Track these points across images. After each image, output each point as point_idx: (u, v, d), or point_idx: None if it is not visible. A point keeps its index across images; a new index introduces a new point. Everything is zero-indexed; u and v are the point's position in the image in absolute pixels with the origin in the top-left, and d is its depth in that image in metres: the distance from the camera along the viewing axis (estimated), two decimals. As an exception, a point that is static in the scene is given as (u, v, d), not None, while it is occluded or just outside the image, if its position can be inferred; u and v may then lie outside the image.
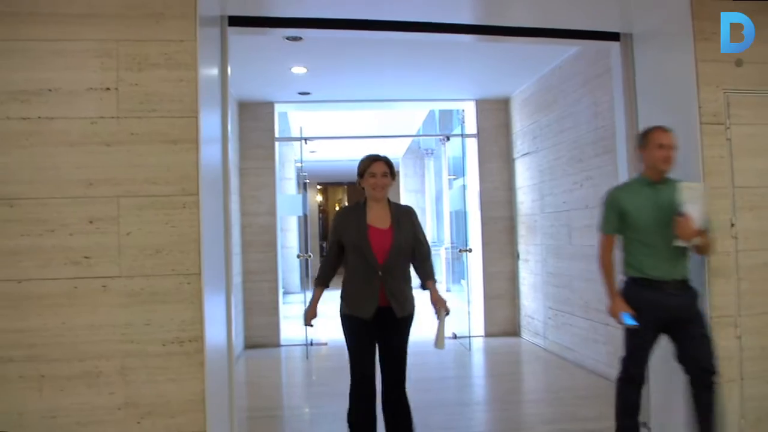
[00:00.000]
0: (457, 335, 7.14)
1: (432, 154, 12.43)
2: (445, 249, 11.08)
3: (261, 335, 6.99)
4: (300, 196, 8.63)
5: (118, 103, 2.59)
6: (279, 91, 6.85)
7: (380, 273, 3.07)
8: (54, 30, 2.60)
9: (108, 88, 2.60)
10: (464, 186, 7.65)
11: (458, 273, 8.84)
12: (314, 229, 15.56)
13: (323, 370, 6.17)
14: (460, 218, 8.82)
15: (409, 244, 3.15)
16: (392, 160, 3.30)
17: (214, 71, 3.12)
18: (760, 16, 3.20)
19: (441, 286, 11.29)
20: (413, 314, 3.23)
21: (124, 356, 2.54)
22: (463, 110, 7.86)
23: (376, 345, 3.19)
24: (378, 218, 3.14)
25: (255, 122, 7.12)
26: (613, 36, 3.85)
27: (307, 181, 11.01)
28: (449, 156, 10.23)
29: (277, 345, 7.02)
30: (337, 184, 20.08)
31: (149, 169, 2.58)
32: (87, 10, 2.62)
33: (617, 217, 3.17)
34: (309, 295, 7.99)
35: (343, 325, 3.20)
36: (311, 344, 6.82)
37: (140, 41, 2.63)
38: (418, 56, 5.64)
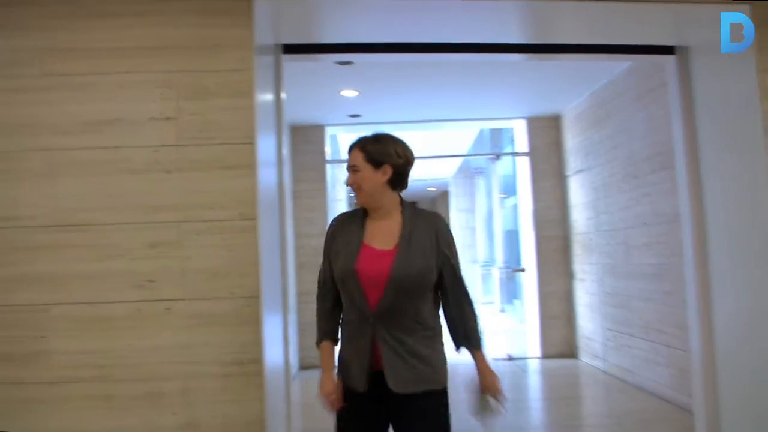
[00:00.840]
0: (513, 356, 7.02)
1: (482, 173, 12.35)
2: (498, 269, 10.94)
3: (315, 356, 7.01)
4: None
5: (178, 131, 2.68)
6: (329, 114, 6.98)
7: (371, 321, 2.03)
8: (117, 63, 2.72)
9: (168, 118, 2.70)
10: (516, 205, 7.58)
11: (511, 293, 8.72)
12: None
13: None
14: (512, 238, 8.72)
15: (427, 275, 2.04)
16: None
17: (270, 98, 3.20)
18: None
19: (494, 307, 11.15)
20: (442, 391, 2.08)
21: (186, 377, 2.60)
22: (512, 128, 7.82)
23: None
24: (379, 234, 2.10)
25: (307, 145, 7.26)
26: (668, 49, 3.77)
27: (359, 202, 11.10)
28: (500, 175, 10.14)
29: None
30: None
31: (208, 194, 2.65)
32: (147, 44, 2.73)
33: None
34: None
35: None
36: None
37: (199, 72, 2.72)
38: (468, 76, 5.66)
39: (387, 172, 2.08)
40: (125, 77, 2.72)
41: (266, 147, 2.97)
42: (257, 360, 2.60)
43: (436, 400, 2.06)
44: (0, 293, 2.62)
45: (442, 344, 2.12)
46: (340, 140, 8.84)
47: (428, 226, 2.10)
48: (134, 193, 2.66)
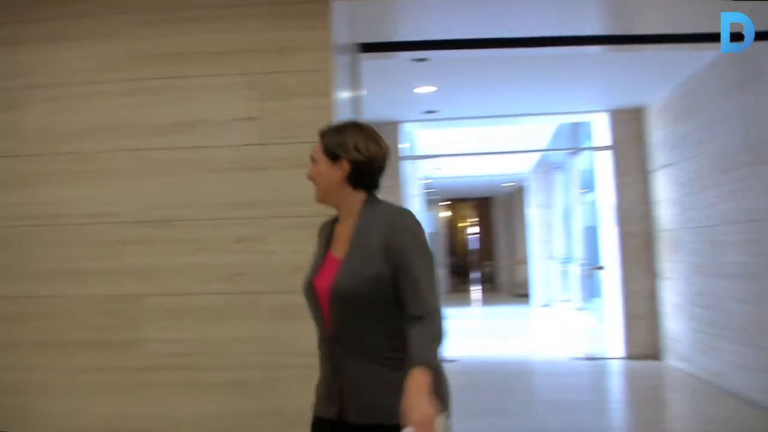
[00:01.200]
0: (592, 356, 6.85)
1: (560, 168, 12.07)
2: (577, 266, 10.67)
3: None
4: (427, 214, 8.73)
5: (260, 131, 2.79)
6: (404, 111, 7.01)
7: (328, 342, 1.77)
8: (204, 67, 2.86)
9: (251, 118, 2.81)
10: (595, 201, 7.38)
11: (590, 291, 8.50)
12: (441, 245, 15.61)
13: (452, 387, 6.14)
14: (591, 234, 8.48)
15: (380, 285, 1.66)
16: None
17: (348, 96, 3.26)
18: None
19: (572, 305, 10.84)
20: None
21: (271, 367, 2.70)
22: (591, 122, 7.61)
23: None
24: (341, 240, 1.81)
25: (382, 142, 7.31)
26: (764, 35, 3.57)
27: (434, 198, 11.10)
28: (579, 170, 9.88)
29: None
30: (464, 200, 20.00)
31: (290, 191, 2.73)
32: (230, 48, 2.86)
33: None
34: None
35: None
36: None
37: (280, 73, 2.82)
38: (547, 70, 5.54)
39: (344, 168, 1.76)
40: (210, 80, 2.86)
41: (345, 145, 3.03)
42: (337, 352, 2.66)
43: None
44: (98, 284, 2.82)
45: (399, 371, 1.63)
46: (415, 136, 8.86)
47: (382, 224, 1.71)
48: (219, 191, 2.79)
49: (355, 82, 3.50)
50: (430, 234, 10.18)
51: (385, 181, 6.29)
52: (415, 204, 10.90)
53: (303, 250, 2.71)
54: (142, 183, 2.82)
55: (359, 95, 3.52)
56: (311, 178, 1.84)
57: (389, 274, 1.66)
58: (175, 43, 2.88)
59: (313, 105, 2.78)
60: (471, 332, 9.72)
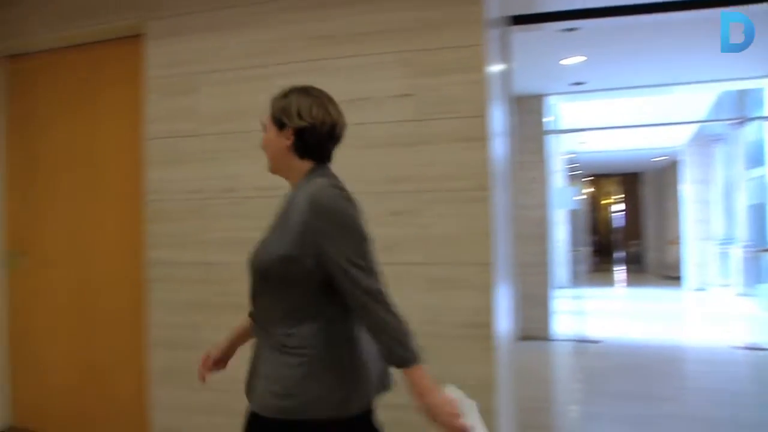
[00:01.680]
0: (756, 346, 6.33)
1: (722, 140, 11.11)
2: (739, 248, 9.84)
3: (532, 327, 7.03)
4: (571, 189, 8.46)
5: (416, 107, 2.86)
6: (550, 83, 6.83)
7: (252, 316, 1.77)
8: (360, 47, 2.97)
9: (406, 95, 2.88)
10: (764, 176, 6.75)
11: (755, 276, 7.80)
12: (583, 223, 15.00)
13: (592, 368, 5.99)
14: (758, 213, 7.77)
15: (287, 265, 1.57)
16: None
17: (498, 70, 3.24)
18: None
19: (731, 291, 10.01)
20: (273, 422, 1.56)
21: (424, 336, 2.79)
22: (762, 89, 6.92)
23: None
24: None
25: (525, 116, 7.16)
26: None
27: (578, 173, 10.72)
28: (744, 142, 9.04)
29: (547, 338, 7.01)
30: (608, 176, 19.06)
31: (445, 166, 2.79)
32: (387, 27, 2.93)
33: None
34: (578, 292, 7.85)
35: None
36: (582, 341, 6.69)
37: (434, 49, 2.86)
38: (708, 33, 5.11)
39: (288, 135, 1.66)
40: (367, 59, 2.97)
41: (496, 119, 3.03)
42: (488, 324, 2.70)
43: (260, 429, 1.61)
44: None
45: (301, 363, 1.56)
46: (559, 109, 8.59)
47: (305, 202, 1.57)
48: (378, 166, 2.90)
49: (505, 56, 3.47)
50: (572, 211, 9.84)
51: (528, 156, 6.23)
52: (557, 179, 10.59)
53: (456, 223, 2.79)
54: (307, 159, 3.00)
55: (509, 68, 3.48)
56: (262, 147, 1.74)
57: (308, 258, 1.56)
58: (331, 27, 3.01)
59: (466, 80, 2.80)
60: (615, 314, 9.35)
